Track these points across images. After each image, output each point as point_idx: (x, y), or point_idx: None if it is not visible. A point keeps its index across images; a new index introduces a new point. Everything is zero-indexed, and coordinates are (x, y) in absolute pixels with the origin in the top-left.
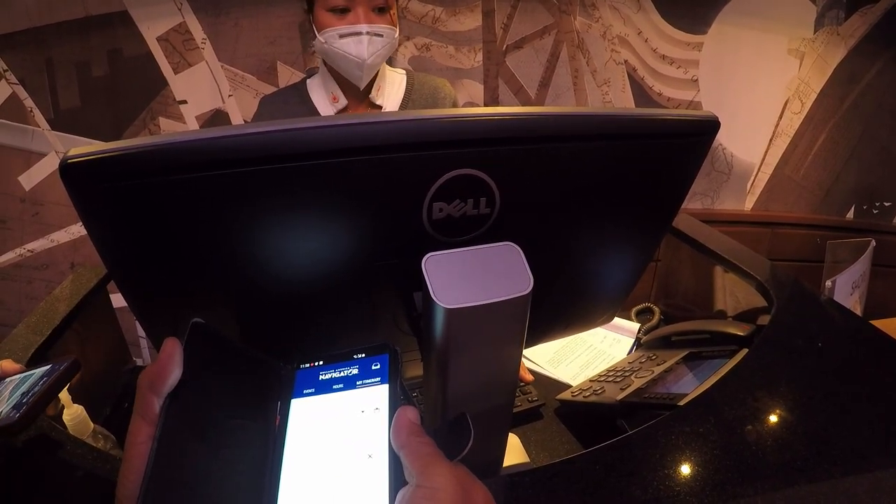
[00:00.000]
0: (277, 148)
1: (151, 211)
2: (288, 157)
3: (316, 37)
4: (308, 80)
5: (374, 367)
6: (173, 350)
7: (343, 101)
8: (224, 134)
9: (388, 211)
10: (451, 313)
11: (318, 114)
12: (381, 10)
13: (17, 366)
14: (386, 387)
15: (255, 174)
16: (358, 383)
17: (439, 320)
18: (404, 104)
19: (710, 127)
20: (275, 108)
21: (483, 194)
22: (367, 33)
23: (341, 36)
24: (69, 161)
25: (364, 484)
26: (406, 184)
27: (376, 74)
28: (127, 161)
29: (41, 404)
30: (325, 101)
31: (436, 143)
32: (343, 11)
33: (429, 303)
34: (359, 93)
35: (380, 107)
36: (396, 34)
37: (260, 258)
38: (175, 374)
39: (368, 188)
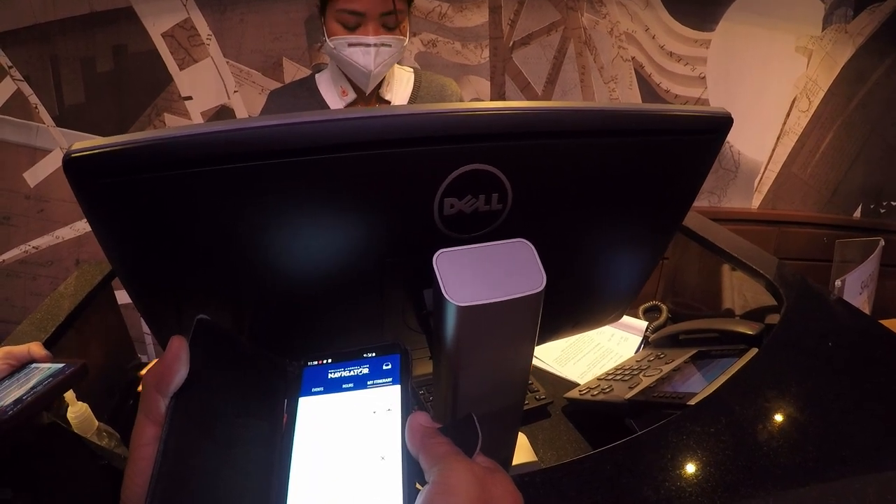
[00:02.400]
0: (285, 142)
1: (157, 206)
2: (296, 152)
3: (325, 37)
4: (317, 75)
5: (385, 367)
6: (180, 349)
7: (352, 95)
8: (231, 127)
9: (399, 207)
10: (463, 311)
11: (327, 107)
12: (391, 28)
13: (45, 351)
14: (398, 388)
15: (262, 168)
16: (369, 383)
17: (450, 318)
18: (412, 100)
19: (723, 124)
20: (283, 102)
21: (495, 190)
22: (376, 45)
23: (350, 45)
24: (73, 155)
25: (377, 486)
26: (417, 179)
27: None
28: (132, 155)
29: (36, 407)
30: (335, 95)
31: (447, 138)
32: (354, 28)
33: (440, 300)
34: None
35: (388, 102)
36: (405, 42)
37: (267, 254)
38: (181, 373)
39: (378, 183)
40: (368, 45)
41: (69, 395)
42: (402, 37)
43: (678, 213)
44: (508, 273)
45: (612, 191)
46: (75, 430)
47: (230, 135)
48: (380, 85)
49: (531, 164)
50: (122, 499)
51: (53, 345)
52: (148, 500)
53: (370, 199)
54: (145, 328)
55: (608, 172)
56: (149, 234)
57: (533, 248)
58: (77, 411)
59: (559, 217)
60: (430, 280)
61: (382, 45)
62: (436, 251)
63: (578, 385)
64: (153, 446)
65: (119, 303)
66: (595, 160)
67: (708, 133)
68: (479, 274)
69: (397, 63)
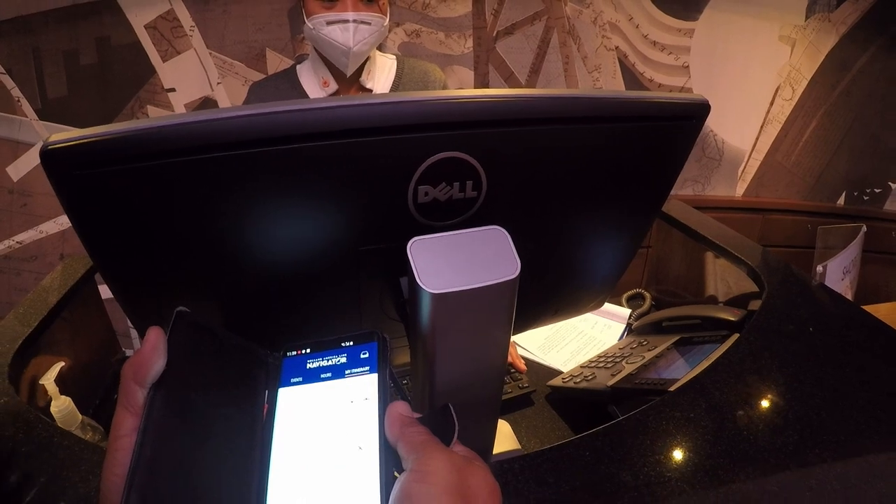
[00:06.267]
0: (260, 132)
1: (135, 196)
2: (271, 141)
3: (305, 21)
4: (298, 66)
5: (362, 356)
6: (157, 340)
7: (334, 86)
8: (207, 118)
9: (373, 195)
10: (437, 298)
11: (307, 97)
12: (369, 0)
13: None
14: (375, 376)
15: (238, 158)
16: (346, 372)
17: (425, 306)
18: (394, 88)
19: (700, 110)
20: (265, 94)
21: (469, 177)
22: (354, 21)
23: (328, 23)
24: (50, 147)
25: (354, 476)
26: (391, 167)
27: (367, 59)
28: (109, 146)
29: None
30: (316, 86)
31: (421, 126)
32: (331, 1)
33: (414, 288)
34: (349, 77)
35: (370, 90)
36: (385, 22)
37: (244, 244)
38: (159, 364)
39: (353, 172)
40: (347, 22)
41: (52, 389)
42: (381, 15)
43: (657, 199)
44: (483, 260)
45: (589, 178)
46: (59, 424)
47: (208, 125)
48: (361, 73)
49: (505, 151)
50: (100, 490)
51: (37, 339)
52: (126, 492)
53: (344, 188)
54: (130, 322)
55: (584, 159)
56: (128, 225)
57: (507, 234)
58: (60, 405)
59: (535, 204)
60: (406, 268)
61: (362, 21)
62: (410, 239)
63: (562, 373)
64: (131, 437)
65: (103, 297)
66: (571, 147)
67: (685, 119)
68: (454, 261)
69: (379, 51)
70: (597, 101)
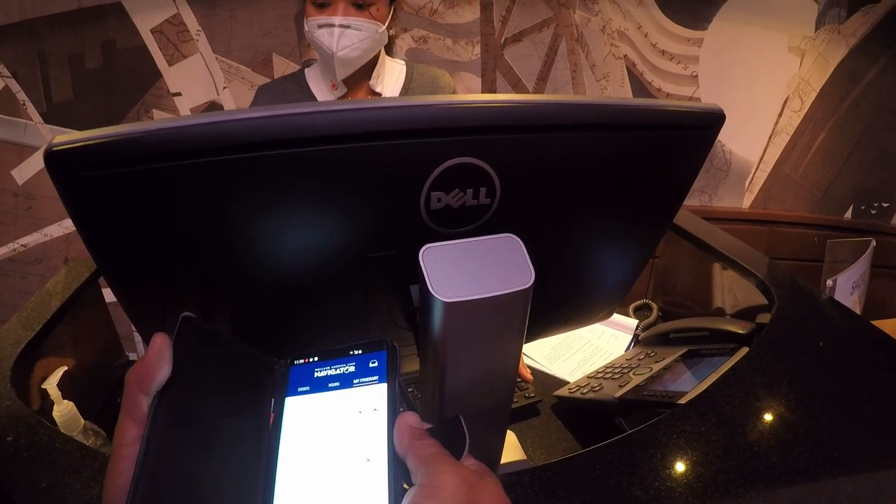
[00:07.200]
0: (269, 134)
1: (141, 199)
2: (281, 144)
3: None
4: (307, 70)
5: (371, 365)
6: (162, 346)
7: (342, 89)
8: (215, 120)
9: (385, 200)
10: (449, 307)
11: (316, 101)
12: (360, 7)
13: None
14: (384, 386)
15: (246, 162)
16: (355, 382)
17: (437, 314)
18: (403, 93)
19: (715, 120)
20: (272, 97)
21: (483, 184)
22: (340, 26)
23: (319, 26)
24: (54, 148)
25: (362, 489)
26: (403, 172)
27: (375, 63)
28: (114, 148)
29: None
30: (325, 89)
31: (435, 131)
32: (323, 6)
33: (426, 296)
34: (358, 80)
35: (379, 94)
36: (380, 30)
37: (252, 249)
38: (164, 371)
39: (364, 176)
40: (333, 26)
41: (55, 394)
42: (374, 22)
43: (669, 209)
44: (496, 269)
45: (603, 186)
46: (61, 429)
47: (214, 127)
48: (370, 77)
49: (519, 158)
50: (102, 500)
51: (41, 342)
52: (128, 502)
53: (356, 193)
54: (133, 327)
55: (598, 167)
56: (133, 228)
57: (521, 243)
58: (63, 410)
59: (548, 212)
60: (417, 275)
61: (347, 27)
62: (422, 246)
63: (568, 383)
64: (135, 446)
65: (107, 301)
66: (585, 155)
67: (700, 129)
68: (466, 269)
69: (388, 56)
70: (611, 108)
